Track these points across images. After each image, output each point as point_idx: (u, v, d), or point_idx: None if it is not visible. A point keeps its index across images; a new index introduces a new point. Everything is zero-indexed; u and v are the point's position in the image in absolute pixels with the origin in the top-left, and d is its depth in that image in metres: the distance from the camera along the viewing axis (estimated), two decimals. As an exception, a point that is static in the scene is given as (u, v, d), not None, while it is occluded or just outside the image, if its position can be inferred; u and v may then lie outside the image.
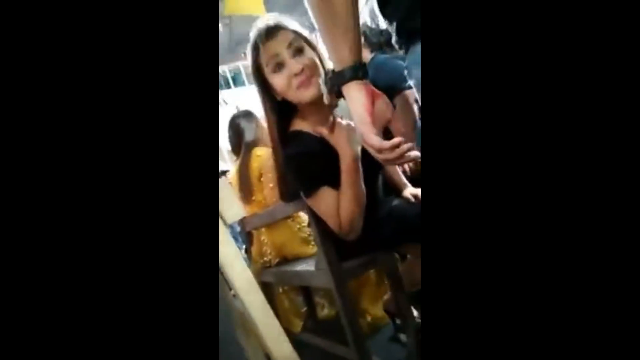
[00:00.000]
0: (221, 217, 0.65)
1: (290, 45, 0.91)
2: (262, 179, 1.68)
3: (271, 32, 0.92)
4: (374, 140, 0.65)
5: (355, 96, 0.66)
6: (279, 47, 0.91)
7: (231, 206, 0.69)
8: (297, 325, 1.66)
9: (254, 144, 1.75)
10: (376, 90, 0.68)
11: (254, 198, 1.71)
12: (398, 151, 0.65)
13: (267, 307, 0.72)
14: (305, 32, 0.95)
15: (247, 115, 1.86)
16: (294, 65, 0.90)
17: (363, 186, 0.91)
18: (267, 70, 0.93)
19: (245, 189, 1.71)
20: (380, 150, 0.66)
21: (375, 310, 1.55)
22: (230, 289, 0.84)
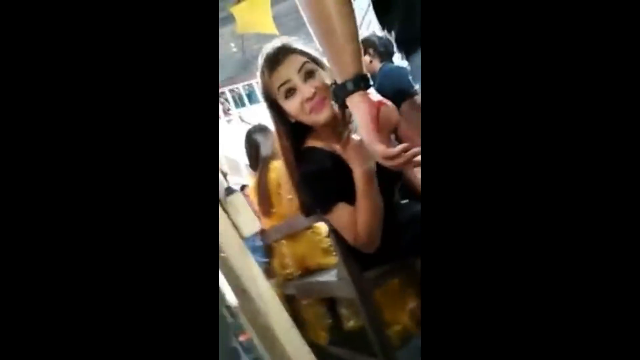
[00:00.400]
0: (238, 231, 0.65)
1: (300, 69, 0.90)
2: (280, 191, 1.69)
3: (280, 56, 0.91)
4: (379, 148, 0.66)
5: (359, 107, 0.66)
6: (290, 72, 0.90)
7: (247, 220, 0.69)
8: (324, 337, 1.64)
9: (271, 157, 1.76)
10: (381, 98, 0.69)
11: (274, 210, 1.71)
12: (405, 157, 0.65)
13: (289, 319, 0.71)
14: (313, 52, 0.94)
15: (263, 129, 1.88)
16: (306, 89, 0.89)
17: (379, 199, 0.89)
18: (279, 96, 0.92)
19: (265, 202, 1.72)
20: (386, 158, 0.66)
21: (404, 319, 1.51)
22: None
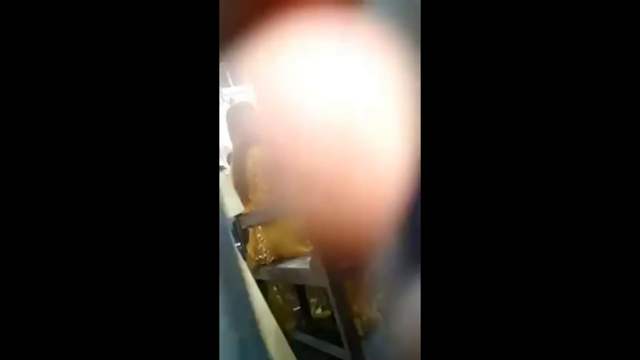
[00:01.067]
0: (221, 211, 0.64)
1: None
2: (257, 180, 1.68)
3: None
4: None
5: None
6: None
7: (230, 200, 0.68)
8: (290, 324, 1.66)
9: (250, 141, 1.73)
10: None
11: (249, 197, 1.70)
12: None
13: (265, 305, 0.72)
14: None
15: (243, 109, 1.83)
16: None
17: None
18: None
19: (241, 187, 1.70)
20: None
21: (370, 312, 1.55)
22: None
